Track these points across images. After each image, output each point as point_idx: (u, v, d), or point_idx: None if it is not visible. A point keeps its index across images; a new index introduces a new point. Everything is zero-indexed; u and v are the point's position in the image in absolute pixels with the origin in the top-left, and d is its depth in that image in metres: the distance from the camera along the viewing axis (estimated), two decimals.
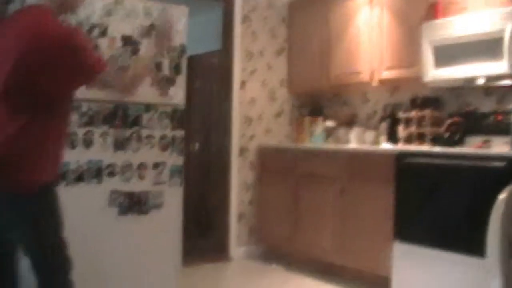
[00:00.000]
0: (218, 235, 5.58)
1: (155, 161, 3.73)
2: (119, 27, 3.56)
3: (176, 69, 3.83)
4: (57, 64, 2.21)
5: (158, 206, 3.75)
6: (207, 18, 6.12)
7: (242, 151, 5.48)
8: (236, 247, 5.40)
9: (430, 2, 4.31)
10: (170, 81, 3.80)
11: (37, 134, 2.26)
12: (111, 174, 3.54)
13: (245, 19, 5.52)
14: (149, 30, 3.67)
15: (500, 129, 4.03)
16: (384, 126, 4.86)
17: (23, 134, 2.23)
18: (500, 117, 4.10)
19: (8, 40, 2.29)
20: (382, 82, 4.76)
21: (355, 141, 5.05)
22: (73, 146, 3.38)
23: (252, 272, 4.90)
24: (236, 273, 5.01)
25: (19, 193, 2.24)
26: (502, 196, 1.24)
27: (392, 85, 4.95)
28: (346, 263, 4.51)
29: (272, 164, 5.38)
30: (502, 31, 3.74)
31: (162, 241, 3.77)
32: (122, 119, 3.58)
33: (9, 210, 2.27)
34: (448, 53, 4.10)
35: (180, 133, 3.86)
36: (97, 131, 3.50)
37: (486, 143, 4.10)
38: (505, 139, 3.91)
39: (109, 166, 3.54)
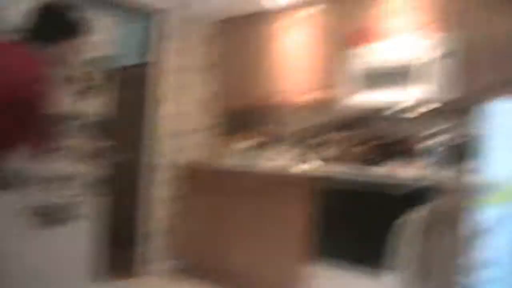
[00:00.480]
0: (139, 249, 5.49)
1: (73, 172, 3.65)
2: None
3: (103, 79, 3.78)
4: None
5: (75, 218, 3.66)
6: (136, 30, 6.05)
7: (166, 165, 5.44)
8: (156, 262, 5.33)
9: (354, 28, 4.44)
10: (93, 92, 3.74)
11: None
12: (27, 184, 3.43)
13: (175, 33, 5.50)
14: None
15: (415, 154, 4.19)
16: (306, 146, 4.95)
17: None
18: (415, 143, 4.27)
19: None
20: (306, 103, 4.85)
21: (278, 160, 5.11)
22: None
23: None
24: None
25: None
26: (412, 216, 1.29)
27: (315, 107, 5.04)
28: (263, 282, 4.53)
29: (195, 180, 5.36)
30: (418, 58, 3.92)
31: (79, 254, 3.69)
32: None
33: None
34: (370, 78, 4.24)
35: (101, 144, 3.80)
36: None
37: (401, 166, 4.24)
38: (419, 163, 4.07)
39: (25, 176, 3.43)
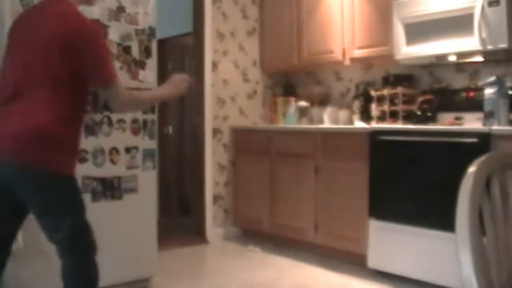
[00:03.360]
0: (194, 218, 5.58)
1: (127, 145, 3.69)
2: (86, 11, 3.49)
3: (146, 52, 3.78)
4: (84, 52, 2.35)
5: (132, 190, 3.72)
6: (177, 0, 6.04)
7: (216, 132, 5.45)
8: (213, 229, 5.39)
9: None
10: (140, 64, 3.74)
11: (76, 122, 2.44)
12: (83, 159, 3.49)
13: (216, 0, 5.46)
14: (117, 13, 3.62)
15: (472, 106, 4.06)
16: (357, 104, 4.87)
17: (65, 120, 2.35)
18: (472, 94, 4.13)
19: (43, 24, 2.38)
20: (355, 60, 4.75)
21: (329, 120, 5.05)
22: None
23: (229, 254, 4.90)
24: (213, 255, 5.00)
25: (55, 174, 2.33)
26: (471, 169, 1.24)
27: (364, 63, 4.95)
28: (322, 241, 4.53)
29: (246, 145, 5.37)
30: (472, 7, 3.75)
31: (137, 225, 3.75)
32: (92, 103, 3.53)
33: (45, 192, 2.34)
34: (419, 30, 4.11)
35: (151, 116, 3.82)
36: None
37: (458, 119, 4.13)
38: (477, 115, 3.94)
39: (80, 151, 3.48)
